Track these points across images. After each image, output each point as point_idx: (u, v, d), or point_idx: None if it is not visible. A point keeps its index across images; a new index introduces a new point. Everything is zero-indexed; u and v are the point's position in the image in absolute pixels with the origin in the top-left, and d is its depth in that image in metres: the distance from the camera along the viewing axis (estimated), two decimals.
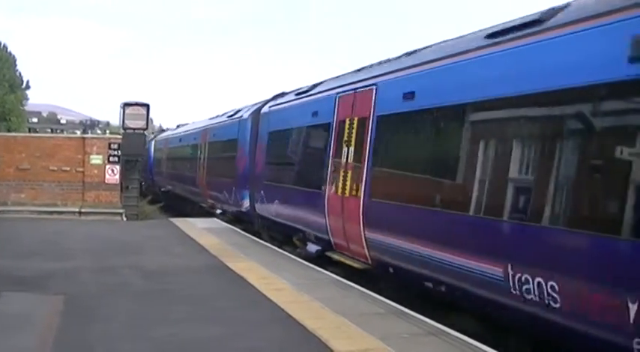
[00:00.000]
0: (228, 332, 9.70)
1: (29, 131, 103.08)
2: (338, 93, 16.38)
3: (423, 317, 10.69)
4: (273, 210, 20.62)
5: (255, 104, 25.48)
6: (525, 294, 8.72)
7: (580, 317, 7.95)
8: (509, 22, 10.83)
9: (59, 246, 18.59)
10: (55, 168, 27.93)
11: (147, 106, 31.35)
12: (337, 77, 18.18)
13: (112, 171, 28.42)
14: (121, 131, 31.51)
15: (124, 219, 27.94)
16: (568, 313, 8.09)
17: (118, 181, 28.76)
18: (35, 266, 14.87)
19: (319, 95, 18.00)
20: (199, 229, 22.85)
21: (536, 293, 8.49)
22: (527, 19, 10.13)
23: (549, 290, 8.26)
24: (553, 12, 9.62)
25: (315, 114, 17.75)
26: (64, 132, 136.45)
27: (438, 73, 11.97)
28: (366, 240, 13.67)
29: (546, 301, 8.32)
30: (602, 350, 7.84)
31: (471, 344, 9.21)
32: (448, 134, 11.63)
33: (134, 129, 30.65)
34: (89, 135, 40.76)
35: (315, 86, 19.22)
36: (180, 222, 25.32)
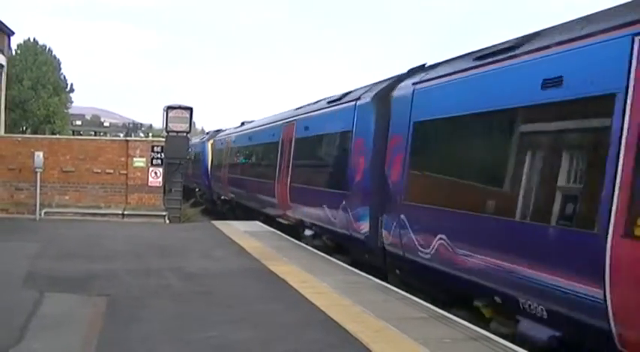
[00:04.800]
0: (268, 335, 9.70)
1: (73, 134, 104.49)
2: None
3: (465, 322, 10.61)
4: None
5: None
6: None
7: None
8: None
9: (102, 247, 18.75)
10: (99, 171, 28.13)
11: (190, 109, 31.50)
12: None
13: (155, 173, 28.55)
14: (164, 134, 31.70)
15: (167, 221, 28.07)
16: None
17: (161, 184, 28.89)
18: (78, 268, 15.02)
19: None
20: (241, 232, 22.87)
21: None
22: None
23: None
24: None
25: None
26: (107, 134, 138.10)
27: None
28: None
29: None
30: None
31: (513, 350, 9.12)
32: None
33: (177, 132, 30.81)
34: (132, 137, 40.85)
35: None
36: (222, 225, 25.39)
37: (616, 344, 8.32)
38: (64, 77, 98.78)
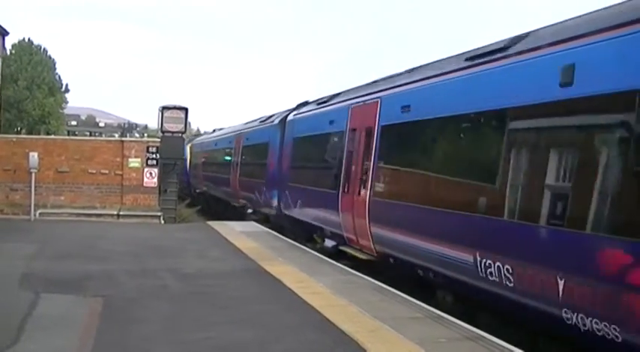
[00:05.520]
0: (265, 336, 9.71)
1: (68, 134, 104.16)
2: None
3: (461, 322, 10.64)
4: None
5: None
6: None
7: None
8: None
9: (98, 248, 18.75)
10: (94, 171, 28.12)
11: (185, 110, 31.51)
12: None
13: (150, 174, 28.56)
14: (160, 134, 31.68)
15: (162, 222, 28.06)
16: None
17: (156, 184, 28.89)
18: (74, 268, 15.03)
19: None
20: (237, 232, 22.91)
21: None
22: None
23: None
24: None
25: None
26: (103, 135, 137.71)
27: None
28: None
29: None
30: None
31: (509, 350, 9.15)
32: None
33: (172, 132, 30.80)
34: (127, 138, 40.97)
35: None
36: (218, 226, 25.41)
37: (345, 240, 18.28)
38: (59, 77, 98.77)
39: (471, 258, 11.20)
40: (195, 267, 15.81)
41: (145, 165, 28.52)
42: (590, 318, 8.46)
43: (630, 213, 8.12)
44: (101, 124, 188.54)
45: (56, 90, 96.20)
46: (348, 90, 20.69)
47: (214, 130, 54.57)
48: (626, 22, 8.58)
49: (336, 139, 19.76)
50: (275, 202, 26.39)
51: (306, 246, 20.47)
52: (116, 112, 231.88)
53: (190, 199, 51.07)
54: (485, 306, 11.67)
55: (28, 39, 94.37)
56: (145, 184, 28.53)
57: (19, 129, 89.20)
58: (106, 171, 28.24)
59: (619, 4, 9.45)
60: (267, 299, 12.45)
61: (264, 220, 28.24)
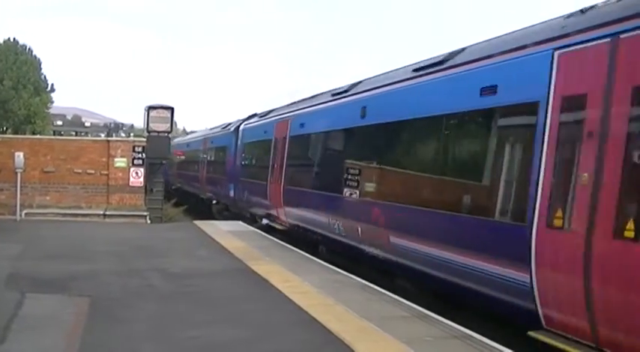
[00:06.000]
0: (251, 335, 9.72)
1: (54, 134, 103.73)
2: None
3: (447, 321, 10.67)
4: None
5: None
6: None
7: None
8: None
9: (84, 248, 18.69)
10: (80, 171, 28.03)
11: (171, 109, 31.36)
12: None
13: (137, 173, 28.50)
14: (146, 134, 31.59)
15: (149, 221, 28.00)
16: None
17: (143, 184, 28.83)
18: (60, 268, 14.98)
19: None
20: (223, 232, 22.88)
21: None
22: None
23: None
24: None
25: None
26: (89, 135, 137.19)
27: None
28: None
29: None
30: None
31: (496, 348, 9.18)
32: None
33: (158, 132, 30.65)
34: (113, 138, 41.09)
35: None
36: (204, 225, 25.38)
37: (272, 218, 25.45)
38: (45, 77, 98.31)
39: (327, 221, 18.31)
40: (182, 267, 15.79)
41: (131, 164, 28.44)
42: (372, 248, 15.55)
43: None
44: (87, 124, 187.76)
45: (42, 90, 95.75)
46: (276, 109, 28.27)
47: (187, 134, 62.44)
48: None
49: (267, 145, 25.84)
50: (232, 193, 32.48)
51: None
52: (102, 112, 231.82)
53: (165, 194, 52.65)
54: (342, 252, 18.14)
55: (14, 39, 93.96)
56: (131, 184, 28.47)
57: (4, 129, 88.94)
58: (92, 171, 28.14)
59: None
60: (254, 298, 12.44)
61: (224, 209, 35.33)
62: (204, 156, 42.38)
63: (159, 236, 22.49)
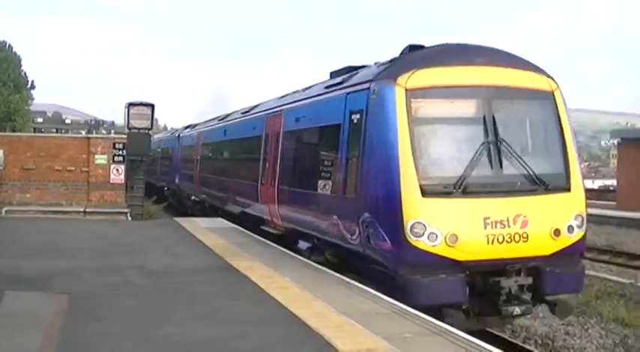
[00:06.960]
0: (232, 331, 9.72)
1: (34, 131, 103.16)
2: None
3: (428, 317, 10.69)
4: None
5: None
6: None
7: None
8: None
9: (64, 245, 18.63)
10: (60, 168, 28.01)
11: (152, 106, 31.31)
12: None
13: (117, 170, 28.50)
14: (126, 131, 31.52)
15: (129, 218, 27.95)
16: None
17: (123, 181, 28.81)
18: (39, 266, 14.91)
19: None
20: (204, 229, 22.79)
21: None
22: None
23: None
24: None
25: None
26: (69, 132, 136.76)
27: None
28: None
29: None
30: None
31: (476, 344, 9.22)
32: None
33: (139, 129, 30.61)
34: (94, 135, 41.50)
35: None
36: (185, 222, 25.29)
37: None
38: (25, 74, 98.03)
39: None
40: (162, 264, 15.73)
41: (111, 161, 28.43)
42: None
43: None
44: (67, 121, 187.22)
45: (22, 86, 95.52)
46: (203, 122, 38.95)
47: (166, 129, 71.39)
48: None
49: (190, 149, 37.53)
50: (177, 181, 41.91)
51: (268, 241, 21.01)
52: (83, 109, 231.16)
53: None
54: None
55: None
56: (111, 181, 28.50)
57: None
58: (73, 168, 28.14)
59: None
60: (234, 294, 12.42)
61: (173, 193, 44.67)
62: (159, 153, 52.56)
63: (139, 233, 22.43)
